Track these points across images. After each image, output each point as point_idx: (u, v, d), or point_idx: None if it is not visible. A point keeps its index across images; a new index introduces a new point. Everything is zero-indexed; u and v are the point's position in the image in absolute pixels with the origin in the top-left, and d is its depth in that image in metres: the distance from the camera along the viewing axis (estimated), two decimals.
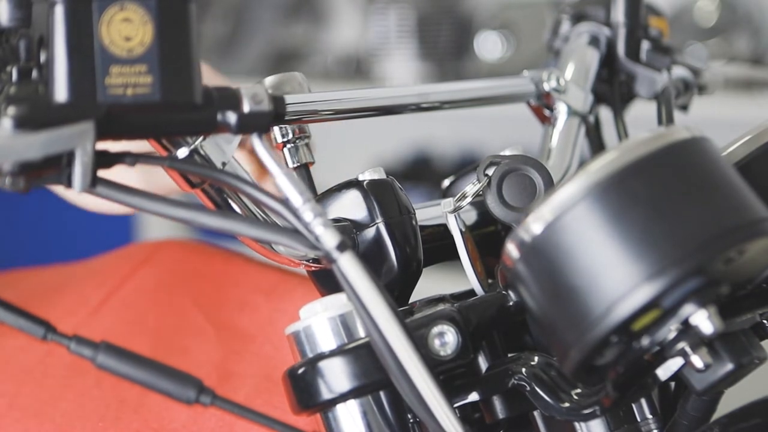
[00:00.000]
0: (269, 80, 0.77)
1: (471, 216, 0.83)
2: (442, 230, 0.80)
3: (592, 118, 0.95)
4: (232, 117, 0.66)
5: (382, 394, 0.71)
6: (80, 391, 0.90)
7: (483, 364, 0.75)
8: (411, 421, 0.72)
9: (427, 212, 0.81)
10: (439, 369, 0.71)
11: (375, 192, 0.77)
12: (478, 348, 0.75)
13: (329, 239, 0.64)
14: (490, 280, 0.80)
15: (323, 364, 0.70)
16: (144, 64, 0.61)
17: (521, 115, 1.00)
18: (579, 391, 0.70)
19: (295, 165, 0.81)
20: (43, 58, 0.62)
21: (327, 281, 0.77)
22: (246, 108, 0.66)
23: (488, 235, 0.83)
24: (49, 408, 0.89)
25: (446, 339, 0.71)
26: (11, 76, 0.65)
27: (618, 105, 0.98)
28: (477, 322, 0.73)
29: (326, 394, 0.70)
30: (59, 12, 0.60)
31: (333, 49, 3.31)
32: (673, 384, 0.78)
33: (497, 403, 0.74)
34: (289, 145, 0.81)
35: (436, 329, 0.71)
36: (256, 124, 0.66)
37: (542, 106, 0.93)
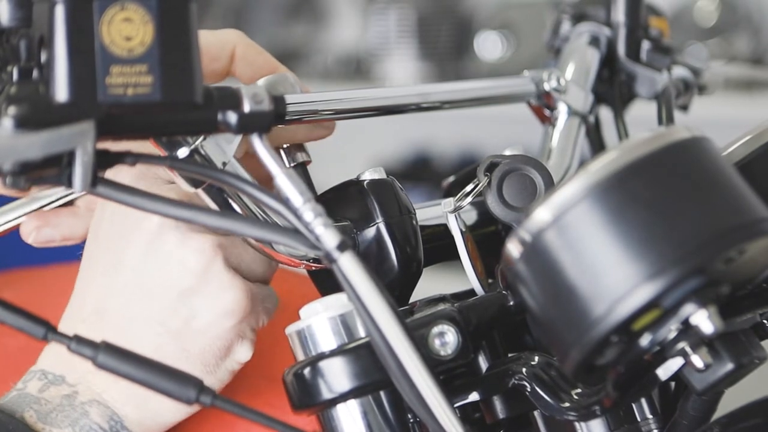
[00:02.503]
0: (262, 82, 0.77)
1: (471, 216, 0.83)
2: (443, 230, 0.80)
3: (593, 118, 0.95)
4: (232, 117, 0.66)
5: (382, 393, 0.71)
6: None
7: (483, 364, 0.75)
8: (411, 420, 0.72)
9: (427, 212, 0.82)
10: (440, 369, 0.71)
11: (375, 192, 0.77)
12: (478, 348, 0.75)
13: (329, 239, 0.64)
14: (490, 280, 0.80)
15: (323, 364, 0.70)
16: (144, 64, 0.61)
17: (521, 115, 1.00)
18: (579, 391, 0.71)
19: (292, 165, 0.81)
20: (43, 57, 0.62)
21: (327, 281, 0.77)
22: (246, 108, 0.66)
23: (488, 235, 0.83)
24: None
25: (446, 339, 0.71)
26: (12, 76, 0.65)
27: (618, 105, 0.98)
28: (477, 322, 0.73)
29: (326, 394, 0.70)
30: (60, 12, 0.60)
31: (333, 49, 3.31)
32: (673, 384, 0.78)
33: (497, 403, 0.74)
34: (285, 145, 0.81)
35: (436, 329, 0.71)
36: (256, 124, 0.67)
37: (542, 106, 0.93)
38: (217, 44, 0.82)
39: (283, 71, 0.82)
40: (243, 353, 0.77)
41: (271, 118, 0.67)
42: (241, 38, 0.83)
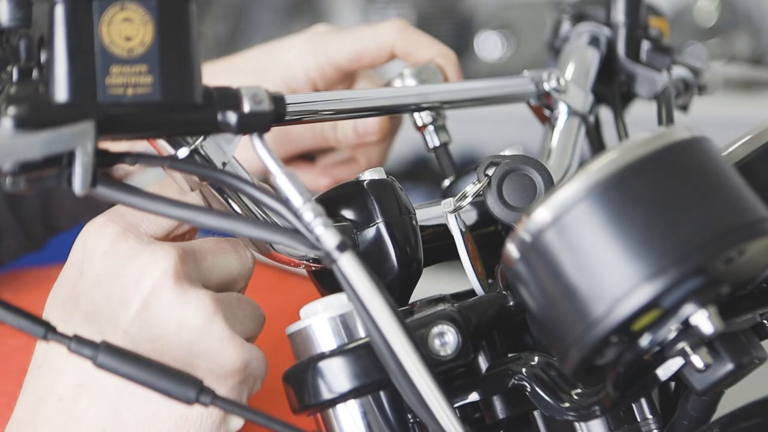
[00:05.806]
0: (408, 72, 0.94)
1: (471, 216, 0.83)
2: (442, 230, 0.80)
3: (592, 118, 0.95)
4: (232, 117, 0.66)
5: (382, 394, 0.71)
6: None
7: (483, 364, 0.75)
8: (411, 421, 0.72)
9: (427, 212, 0.82)
10: (439, 369, 0.71)
11: (375, 192, 0.77)
12: (478, 348, 0.75)
13: (329, 239, 0.64)
14: (490, 280, 0.80)
15: (323, 364, 0.70)
16: (144, 64, 0.61)
17: (521, 115, 1.00)
18: (579, 391, 0.70)
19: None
20: (43, 58, 0.62)
21: (327, 281, 0.77)
22: (246, 108, 0.66)
23: (488, 235, 0.83)
24: None
25: (446, 339, 0.71)
26: (12, 76, 0.65)
27: (618, 105, 0.98)
28: (477, 322, 0.73)
29: (326, 394, 0.70)
30: (59, 12, 0.60)
31: None
32: (673, 384, 0.78)
33: (497, 403, 0.74)
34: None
35: (436, 329, 0.71)
36: (256, 124, 0.67)
37: (542, 106, 0.93)
38: (376, 47, 0.96)
39: (439, 55, 0.96)
40: (236, 421, 0.71)
41: (271, 118, 0.67)
42: (398, 35, 0.96)
